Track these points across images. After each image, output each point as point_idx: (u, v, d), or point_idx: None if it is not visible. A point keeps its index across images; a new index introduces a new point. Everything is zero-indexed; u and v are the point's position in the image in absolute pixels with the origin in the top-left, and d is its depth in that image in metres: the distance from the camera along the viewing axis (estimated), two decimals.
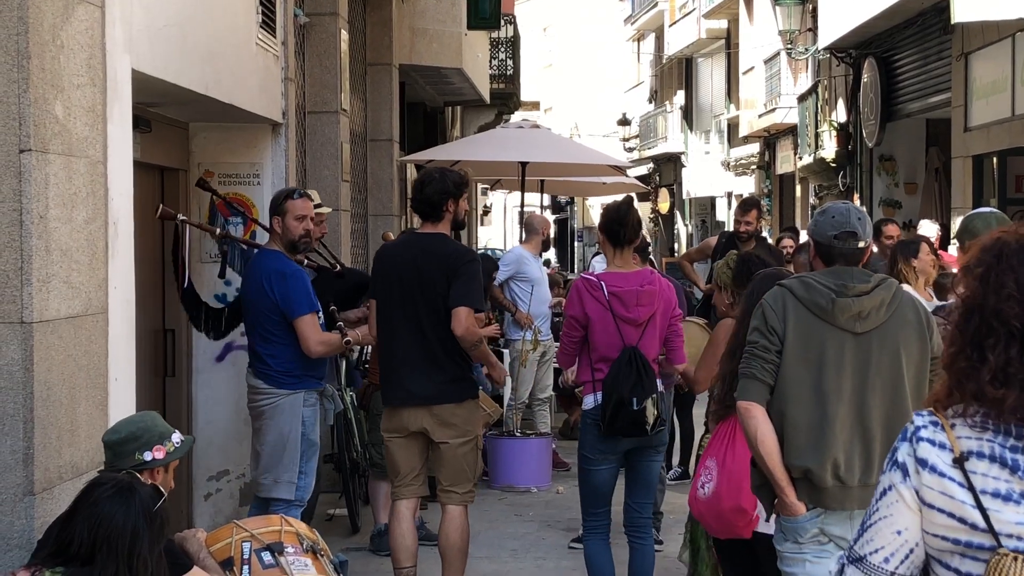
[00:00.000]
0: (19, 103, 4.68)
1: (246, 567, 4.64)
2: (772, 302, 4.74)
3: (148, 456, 4.49)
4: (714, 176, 34.50)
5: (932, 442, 2.48)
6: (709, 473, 5.43)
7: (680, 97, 38.83)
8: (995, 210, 6.39)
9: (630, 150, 43.16)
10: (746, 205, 11.25)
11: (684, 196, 38.67)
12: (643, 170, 42.09)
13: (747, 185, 31.32)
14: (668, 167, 40.36)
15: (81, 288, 5.12)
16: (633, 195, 7.11)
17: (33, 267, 4.72)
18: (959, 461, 2.44)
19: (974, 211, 6.13)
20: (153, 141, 7.63)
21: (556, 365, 11.76)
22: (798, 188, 26.56)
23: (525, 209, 14.52)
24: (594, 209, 48.08)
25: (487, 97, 18.41)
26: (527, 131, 13.97)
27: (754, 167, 31.40)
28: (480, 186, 22.22)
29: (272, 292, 6.95)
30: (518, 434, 11.14)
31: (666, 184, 40.77)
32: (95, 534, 3.45)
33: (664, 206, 40.68)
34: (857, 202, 20.64)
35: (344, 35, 10.66)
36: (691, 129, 37.63)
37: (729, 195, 33.40)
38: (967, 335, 2.51)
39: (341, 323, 7.24)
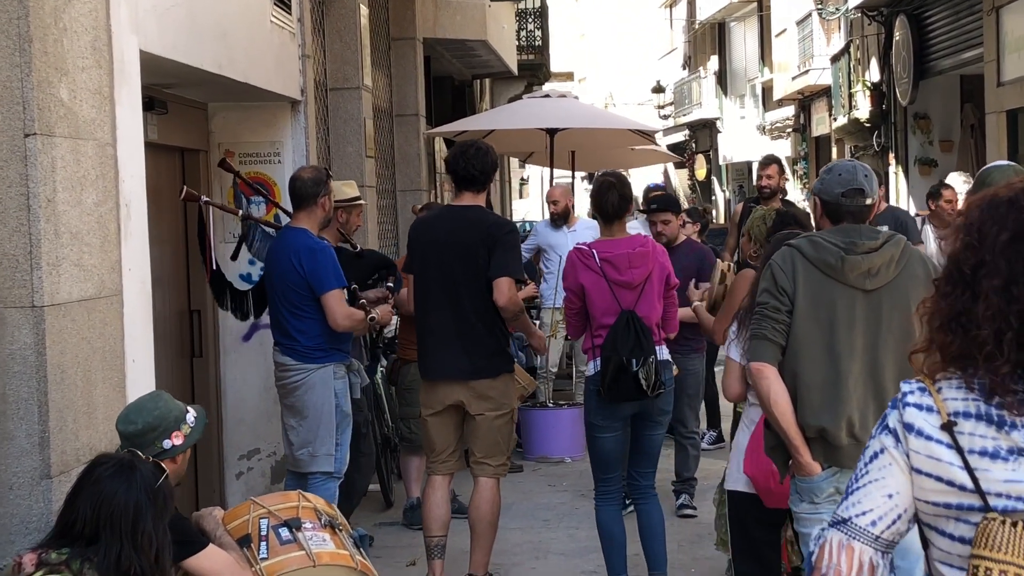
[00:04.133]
0: (22, 87, 4.68)
1: (264, 543, 4.64)
2: (781, 262, 4.70)
3: (168, 444, 4.48)
4: (750, 141, 34.31)
5: (919, 407, 2.44)
6: None
7: (714, 62, 38.63)
8: (1012, 163, 6.28)
9: (665, 117, 42.98)
10: (766, 160, 11.18)
11: (720, 162, 38.49)
12: (679, 137, 41.90)
13: (783, 148, 31.11)
14: (704, 133, 40.16)
15: (93, 271, 5.13)
16: (620, 171, 7.12)
17: (42, 251, 4.73)
18: (947, 426, 2.38)
19: (991, 164, 6.04)
20: (171, 122, 7.65)
21: None
22: (834, 150, 26.37)
23: (559, 182, 14.49)
24: (631, 178, 47.93)
25: (515, 69, 18.32)
26: (554, 100, 13.90)
27: (790, 130, 31.23)
28: (516, 160, 22.10)
29: (301, 267, 6.96)
30: (551, 405, 11.12)
31: (702, 150, 40.59)
32: (98, 513, 3.45)
33: (701, 173, 40.50)
34: (893, 163, 20.50)
35: (364, 11, 10.63)
36: (726, 94, 37.42)
37: None
38: (939, 286, 2.50)
39: (363, 301, 7.24)
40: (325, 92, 10.42)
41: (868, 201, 4.75)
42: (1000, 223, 2.41)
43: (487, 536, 6.87)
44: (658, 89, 42.93)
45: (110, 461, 3.60)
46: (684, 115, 40.73)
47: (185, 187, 7.22)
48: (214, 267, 7.34)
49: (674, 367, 6.99)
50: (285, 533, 4.70)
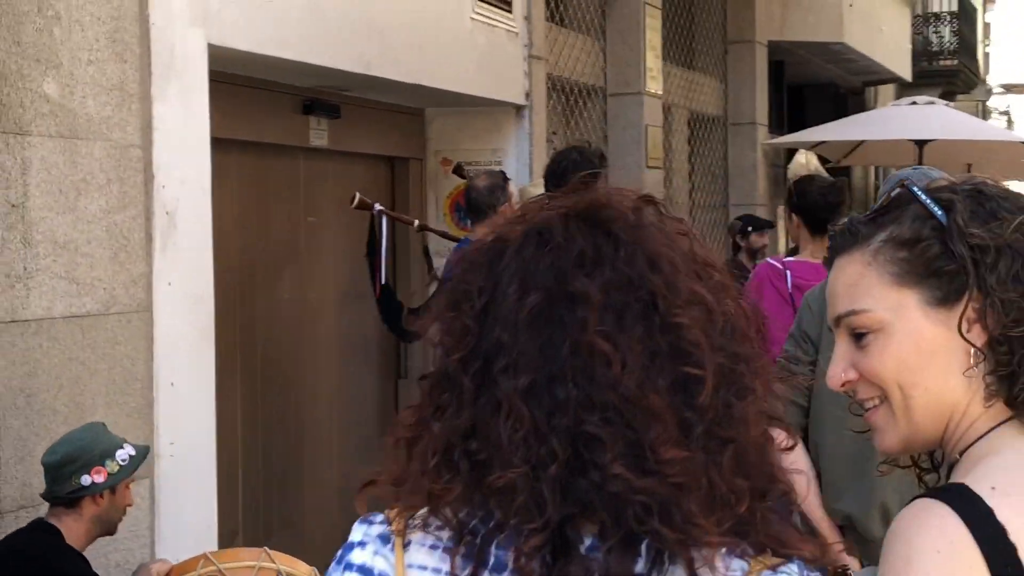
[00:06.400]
0: None
1: None
2: (812, 298, 3.62)
3: (86, 480, 3.95)
4: None
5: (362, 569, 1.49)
6: None
7: None
8: None
9: None
10: None
11: None
12: None
13: None
14: None
15: (96, 285, 4.66)
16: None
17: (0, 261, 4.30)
18: None
19: None
20: (361, 129, 7.16)
21: None
22: None
23: None
24: None
25: (906, 75, 16.75)
26: (921, 107, 12.52)
27: None
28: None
29: None
30: None
31: None
32: None
33: None
34: None
35: (649, 10, 9.80)
36: None
37: None
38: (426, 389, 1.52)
39: None
40: (604, 98, 9.69)
41: None
42: (519, 280, 1.44)
43: None
44: None
45: None
46: None
47: (357, 194, 6.69)
48: (382, 282, 6.78)
49: None
50: None
